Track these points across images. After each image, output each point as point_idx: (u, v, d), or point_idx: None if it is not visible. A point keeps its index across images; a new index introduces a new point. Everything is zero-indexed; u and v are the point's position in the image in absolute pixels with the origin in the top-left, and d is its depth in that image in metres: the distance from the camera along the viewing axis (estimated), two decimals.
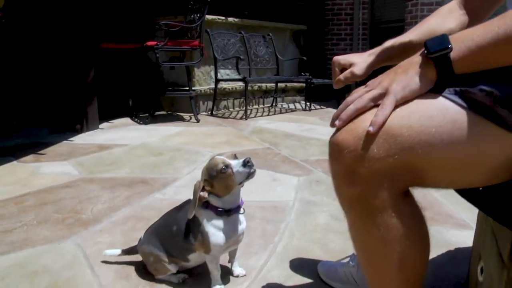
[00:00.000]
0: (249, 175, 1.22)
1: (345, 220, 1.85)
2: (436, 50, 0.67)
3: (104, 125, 4.16)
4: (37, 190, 2.28)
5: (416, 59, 0.71)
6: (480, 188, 0.79)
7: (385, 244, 0.74)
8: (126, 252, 1.47)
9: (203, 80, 5.39)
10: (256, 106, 5.90)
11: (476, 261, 1.23)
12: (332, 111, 5.56)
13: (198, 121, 4.48)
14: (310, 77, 5.74)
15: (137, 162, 2.82)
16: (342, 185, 0.74)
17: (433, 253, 1.61)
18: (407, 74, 0.70)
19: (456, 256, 1.64)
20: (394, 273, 0.77)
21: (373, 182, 0.70)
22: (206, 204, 1.26)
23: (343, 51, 7.34)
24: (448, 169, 0.71)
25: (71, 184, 2.37)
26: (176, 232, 1.31)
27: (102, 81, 4.24)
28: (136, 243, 1.44)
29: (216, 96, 5.17)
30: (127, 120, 4.52)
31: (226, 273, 1.42)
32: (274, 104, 6.11)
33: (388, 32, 6.72)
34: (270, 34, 6.08)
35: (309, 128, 4.23)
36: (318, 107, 6.01)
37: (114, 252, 1.48)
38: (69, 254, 1.56)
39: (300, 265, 1.52)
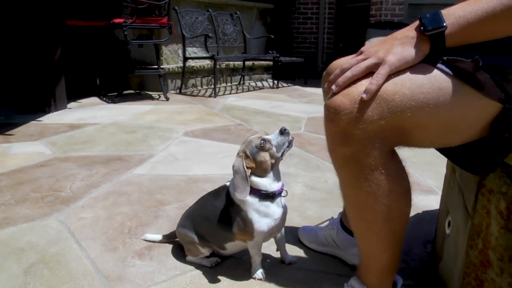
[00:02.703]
0: (289, 144, 1.20)
1: (320, 190, 1.96)
2: (432, 28, 0.75)
3: (72, 104, 4.09)
4: (11, 170, 2.25)
5: (411, 33, 0.78)
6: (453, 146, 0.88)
7: (375, 198, 0.82)
8: (167, 237, 1.46)
9: (171, 58, 5.35)
10: (224, 84, 5.91)
11: (444, 216, 1.35)
12: (299, 89, 5.68)
13: (167, 99, 4.47)
14: (278, 55, 5.80)
15: (111, 140, 2.82)
16: (337, 145, 0.81)
17: None
18: (404, 47, 0.77)
19: (424, 218, 1.78)
20: (381, 225, 0.87)
21: (366, 143, 0.77)
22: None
23: (310, 30, 7.41)
24: (432, 130, 0.80)
25: (46, 163, 2.36)
26: (214, 220, 1.26)
27: (68, 60, 4.14)
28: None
29: (185, 74, 5.15)
30: (95, 99, 4.45)
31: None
32: (241, 82, 6.14)
33: (354, 11, 6.86)
34: (238, 12, 6.06)
35: (278, 105, 4.31)
36: (285, 84, 6.08)
37: (155, 237, 1.47)
38: (53, 230, 1.57)
39: None
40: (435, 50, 0.77)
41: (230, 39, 5.83)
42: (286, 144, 1.20)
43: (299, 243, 1.53)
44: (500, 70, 0.76)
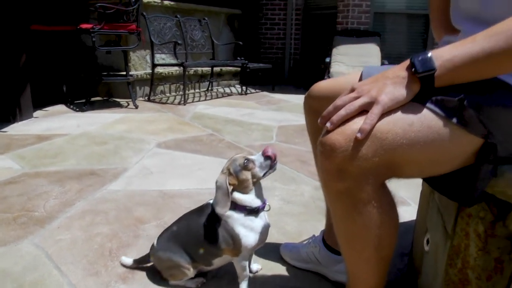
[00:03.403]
0: (272, 166, 1.25)
1: (296, 203, 1.99)
2: (423, 71, 0.79)
3: (38, 113, 3.97)
4: None
5: (402, 73, 0.82)
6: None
7: (367, 230, 0.86)
8: (138, 262, 1.44)
9: (139, 64, 5.29)
10: (193, 91, 5.88)
11: (422, 234, 1.41)
12: (267, 95, 5.73)
13: (136, 107, 4.41)
14: (246, 62, 5.83)
15: (82, 153, 2.76)
16: (331, 180, 0.84)
17: None
18: (395, 87, 0.81)
19: (399, 230, 1.83)
20: (371, 253, 0.91)
21: (360, 178, 0.80)
22: (234, 206, 1.24)
23: (277, 35, 7.48)
24: (422, 164, 0.85)
25: (15, 180, 2.28)
26: (201, 238, 1.28)
27: (33, 66, 4.03)
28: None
29: (153, 81, 5.10)
30: (62, 107, 4.35)
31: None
32: (210, 88, 6.13)
33: (321, 18, 6.97)
34: (206, 18, 6.05)
35: (248, 113, 4.33)
36: (253, 90, 6.12)
37: (127, 261, 1.45)
38: (29, 255, 1.52)
39: (262, 249, 1.61)
40: (425, 90, 0.81)
41: (198, 45, 5.82)
42: (268, 166, 1.25)
43: (281, 260, 1.56)
44: (482, 108, 0.81)
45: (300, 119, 3.92)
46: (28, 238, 1.65)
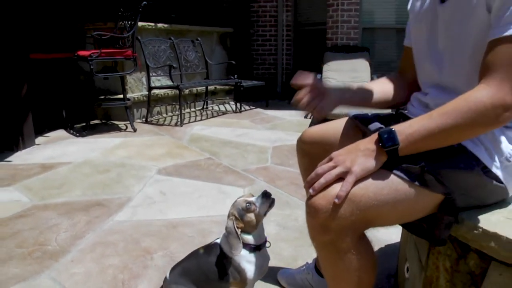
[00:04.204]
0: (270, 205, 1.41)
1: (292, 229, 2.15)
2: (389, 146, 0.96)
3: (39, 139, 4.11)
4: None
5: (372, 146, 0.99)
6: None
7: (348, 273, 1.03)
8: None
9: (136, 87, 5.44)
10: (188, 110, 6.04)
11: (403, 262, 1.58)
12: (261, 112, 5.90)
13: (135, 130, 4.56)
14: (240, 80, 6.00)
15: (86, 182, 2.90)
16: (317, 234, 1.00)
17: None
18: (366, 159, 0.98)
19: (386, 252, 2.00)
20: None
21: (340, 233, 0.97)
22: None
23: (269, 51, 7.67)
24: (392, 218, 1.03)
25: (25, 213, 2.42)
26: (211, 275, 1.42)
27: (33, 93, 4.16)
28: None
29: (150, 103, 5.26)
30: (62, 132, 4.48)
31: None
32: (205, 107, 6.29)
33: (311, 34, 7.17)
34: (199, 38, 6.23)
35: (244, 133, 4.49)
36: (247, 107, 6.29)
37: None
38: None
39: None
40: (391, 159, 0.97)
41: (192, 65, 5.99)
42: (268, 205, 1.41)
43: (279, 285, 1.71)
44: (440, 172, 0.98)
45: (293, 139, 4.07)
46: (44, 273, 1.79)
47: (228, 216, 1.43)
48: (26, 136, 3.89)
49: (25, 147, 3.84)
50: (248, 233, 1.42)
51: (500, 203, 1.09)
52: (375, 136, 0.99)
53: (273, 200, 1.42)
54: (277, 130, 4.67)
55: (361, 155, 0.98)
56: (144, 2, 4.59)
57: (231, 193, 2.73)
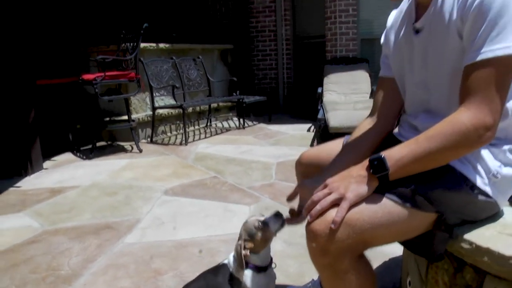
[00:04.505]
0: (282, 224, 1.44)
1: (298, 245, 2.20)
2: (379, 172, 1.02)
3: (47, 164, 4.18)
4: (3, 250, 2.33)
5: (363, 173, 1.05)
6: None
7: None
8: None
9: (140, 107, 5.53)
10: (192, 128, 6.12)
11: (406, 276, 1.62)
12: (265, 127, 5.97)
13: (140, 151, 4.63)
14: (242, 96, 6.09)
15: (95, 205, 2.97)
16: (317, 256, 1.06)
17: (373, 264, 2.00)
18: (358, 185, 1.04)
19: (390, 265, 2.04)
20: None
21: (339, 255, 1.02)
22: (247, 265, 1.44)
23: (270, 66, 7.76)
24: (388, 238, 1.09)
25: (37, 238, 2.48)
26: None
27: (40, 118, 4.25)
28: None
29: (154, 123, 5.34)
30: (69, 155, 4.56)
31: None
32: (208, 124, 6.38)
33: (310, 47, 7.26)
34: (200, 56, 6.34)
35: (247, 150, 4.55)
36: (250, 123, 6.36)
37: None
38: None
39: None
40: (382, 184, 1.04)
41: (194, 83, 6.09)
42: (280, 224, 1.45)
43: None
44: (429, 193, 1.05)
45: (296, 153, 4.09)
46: None
47: (239, 238, 1.47)
48: (34, 160, 3.97)
49: (33, 171, 3.92)
50: (256, 253, 1.47)
51: (493, 217, 1.14)
52: (366, 162, 1.05)
53: (284, 220, 1.46)
54: (280, 146, 4.73)
55: (354, 181, 1.05)
56: (146, 24, 4.70)
57: (237, 211, 2.78)
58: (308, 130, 5.65)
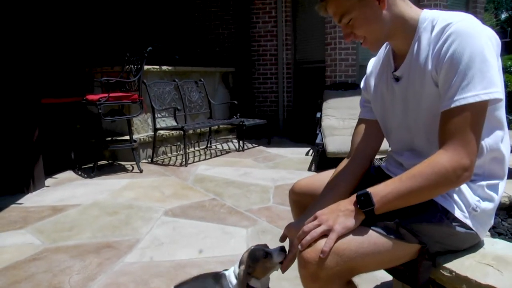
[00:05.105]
0: (284, 259, 1.49)
1: (293, 268, 2.26)
2: (366, 208, 1.12)
3: (49, 181, 4.26)
4: (4, 267, 2.38)
5: (351, 207, 1.14)
6: None
7: None
8: None
9: (141, 128, 5.63)
10: (193, 149, 6.21)
11: None
12: (264, 150, 6.06)
13: (141, 171, 4.70)
14: (242, 120, 6.21)
15: (96, 224, 3.03)
16: (308, 282, 1.14)
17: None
18: (346, 218, 1.13)
19: (387, 284, 2.11)
20: None
21: (328, 281, 1.11)
22: (247, 285, 1.49)
23: (270, 89, 7.90)
24: (374, 266, 1.18)
25: (38, 256, 2.54)
26: None
27: (43, 136, 4.34)
28: None
29: (156, 144, 5.43)
30: (71, 173, 4.64)
31: None
32: (209, 146, 6.47)
33: (310, 71, 7.41)
34: (202, 79, 6.47)
35: (247, 172, 4.63)
36: (250, 145, 6.45)
37: None
38: None
39: None
40: (368, 217, 1.13)
41: (196, 105, 6.21)
42: (283, 258, 1.49)
43: None
44: (412, 226, 1.14)
45: (295, 177, 4.21)
46: None
47: (241, 263, 1.53)
48: (37, 178, 4.04)
49: (35, 189, 3.99)
50: (258, 278, 1.53)
51: (474, 247, 1.22)
52: (353, 198, 1.15)
53: (286, 256, 1.52)
54: (279, 169, 4.81)
55: (342, 215, 1.14)
56: (150, 48, 4.84)
57: (234, 233, 2.85)
58: (307, 154, 5.74)
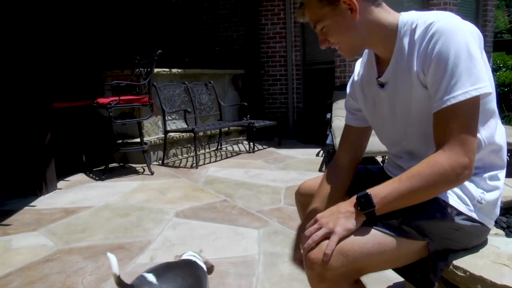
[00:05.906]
0: None
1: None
2: (366, 209, 1.12)
3: (61, 184, 4.29)
4: (19, 268, 2.42)
5: (351, 209, 1.14)
6: None
7: None
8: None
9: (152, 130, 5.66)
10: (203, 151, 6.23)
11: None
12: (274, 152, 6.06)
13: (152, 173, 4.73)
14: (252, 121, 6.21)
15: (108, 226, 3.05)
16: (315, 282, 1.14)
17: None
18: (347, 220, 1.13)
19: (399, 285, 2.10)
20: None
21: (335, 281, 1.11)
22: None
23: (280, 91, 7.90)
24: (381, 265, 1.17)
25: (52, 257, 2.56)
26: None
27: (55, 139, 4.39)
28: None
29: (166, 146, 5.46)
30: (82, 176, 4.68)
31: None
32: (219, 147, 6.48)
33: (320, 72, 7.40)
34: (212, 81, 6.49)
35: (257, 174, 4.63)
36: (260, 147, 6.45)
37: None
38: None
39: None
40: (369, 218, 1.13)
41: (206, 108, 6.23)
42: None
43: None
44: (415, 223, 1.14)
45: (305, 178, 4.16)
46: None
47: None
48: (49, 181, 4.08)
49: (48, 191, 4.03)
50: None
51: (486, 245, 1.21)
52: (353, 199, 1.15)
53: None
54: (289, 170, 4.80)
55: (342, 217, 1.14)
56: (159, 51, 4.87)
57: (246, 234, 2.85)
58: (317, 155, 5.73)
